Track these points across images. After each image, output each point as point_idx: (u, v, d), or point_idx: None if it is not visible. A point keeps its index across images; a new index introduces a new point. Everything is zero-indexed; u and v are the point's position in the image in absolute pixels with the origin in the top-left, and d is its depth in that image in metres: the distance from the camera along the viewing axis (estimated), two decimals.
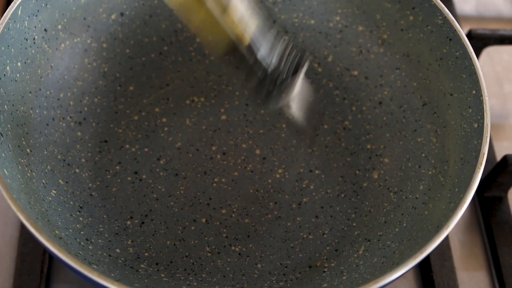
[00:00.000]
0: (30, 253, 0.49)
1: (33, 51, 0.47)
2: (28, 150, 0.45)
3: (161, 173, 0.50)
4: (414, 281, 0.52)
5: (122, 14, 0.52)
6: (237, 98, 0.54)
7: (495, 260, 0.53)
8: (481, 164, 0.43)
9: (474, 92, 0.46)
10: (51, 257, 0.50)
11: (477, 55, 0.61)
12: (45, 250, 0.49)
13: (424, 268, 0.52)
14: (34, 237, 0.39)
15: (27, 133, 0.46)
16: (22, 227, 0.50)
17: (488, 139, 0.44)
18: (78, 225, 0.45)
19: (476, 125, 0.45)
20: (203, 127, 0.53)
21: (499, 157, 0.57)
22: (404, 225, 0.47)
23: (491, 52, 0.65)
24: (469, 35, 0.60)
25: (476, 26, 0.62)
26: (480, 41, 0.60)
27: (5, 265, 0.50)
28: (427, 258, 0.51)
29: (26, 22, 0.46)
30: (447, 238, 0.52)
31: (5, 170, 0.41)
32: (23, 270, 0.48)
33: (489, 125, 0.44)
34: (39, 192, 0.44)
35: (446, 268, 0.51)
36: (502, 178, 0.54)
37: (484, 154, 0.43)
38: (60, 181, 0.47)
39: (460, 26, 0.64)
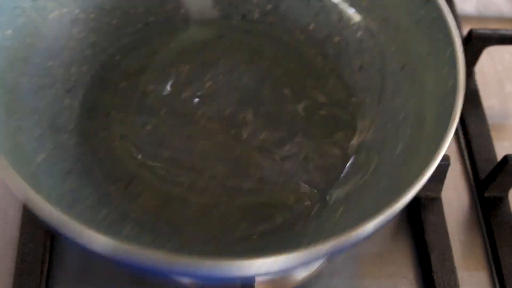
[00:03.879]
0: (30, 253, 0.50)
1: (22, 19, 0.49)
2: (17, 116, 0.47)
3: (147, 138, 0.51)
4: (414, 281, 0.52)
5: None
6: (222, 66, 0.55)
7: (496, 260, 0.53)
8: (454, 119, 0.44)
9: (449, 51, 0.47)
10: (52, 257, 0.51)
11: (478, 55, 0.62)
12: (45, 250, 0.50)
13: (424, 267, 0.52)
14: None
15: (16, 100, 0.47)
16: (22, 226, 0.51)
17: (462, 96, 0.45)
18: (65, 189, 0.47)
19: (451, 83, 0.46)
20: (188, 93, 0.54)
21: (499, 157, 0.57)
22: (382, 185, 0.47)
23: (492, 52, 0.65)
24: (470, 35, 0.60)
25: (476, 26, 0.62)
26: (481, 41, 0.60)
27: (5, 265, 0.50)
28: (428, 258, 0.52)
29: None
30: (447, 238, 0.53)
31: None
32: (23, 270, 0.49)
33: (463, 82, 0.45)
34: (28, 155, 0.46)
35: (446, 268, 0.51)
36: (502, 178, 0.54)
37: (457, 110, 0.44)
38: (49, 145, 0.48)
39: (461, 26, 0.66)
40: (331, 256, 0.41)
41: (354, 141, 0.52)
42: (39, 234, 0.51)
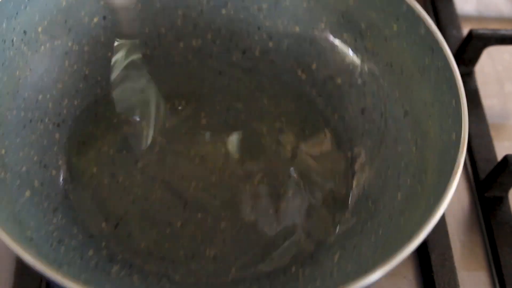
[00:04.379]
0: None
1: (11, 53, 0.47)
2: (3, 151, 0.45)
3: (138, 176, 0.50)
4: (414, 281, 0.52)
5: (104, 18, 0.52)
6: (218, 103, 0.54)
7: (496, 260, 0.53)
8: (456, 175, 0.42)
9: (453, 102, 0.46)
10: None
11: (478, 55, 0.62)
12: None
13: (424, 268, 0.52)
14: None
15: (2, 134, 0.46)
16: None
17: (465, 150, 0.44)
18: (51, 227, 0.45)
19: (454, 136, 0.45)
20: (182, 130, 0.53)
21: (499, 157, 0.57)
22: (380, 234, 0.46)
23: (492, 52, 0.65)
24: (470, 34, 0.60)
25: (476, 26, 0.62)
26: (481, 41, 0.60)
27: (5, 264, 0.50)
28: (428, 257, 0.51)
29: (4, 24, 0.46)
30: (447, 238, 0.53)
31: None
32: (23, 269, 0.48)
33: (466, 137, 0.44)
34: (12, 193, 0.45)
35: (446, 268, 0.51)
36: (502, 178, 0.54)
37: (459, 165, 0.43)
38: (36, 183, 0.47)
39: (460, 26, 0.65)
40: None
41: (353, 187, 0.50)
42: None
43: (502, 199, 0.55)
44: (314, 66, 0.55)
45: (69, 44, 0.51)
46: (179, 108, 0.54)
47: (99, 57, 0.53)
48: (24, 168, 0.47)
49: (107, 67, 0.53)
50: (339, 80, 0.54)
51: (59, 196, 0.48)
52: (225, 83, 0.55)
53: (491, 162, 0.57)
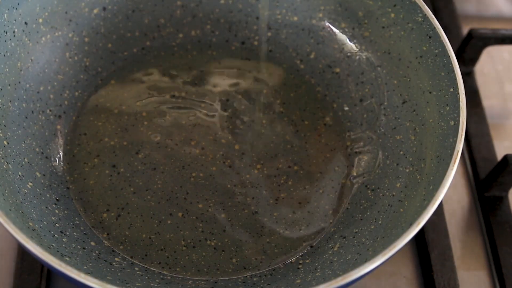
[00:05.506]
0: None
1: (13, 44, 0.47)
2: (5, 142, 0.46)
3: (139, 167, 0.50)
4: (414, 281, 0.52)
5: (104, 9, 0.52)
6: (218, 94, 0.54)
7: (496, 260, 0.53)
8: (455, 162, 0.43)
9: (451, 90, 0.46)
10: None
11: (478, 55, 0.61)
12: None
13: (424, 267, 0.52)
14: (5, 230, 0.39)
15: (4, 126, 0.46)
16: None
17: (463, 137, 0.44)
18: (53, 218, 0.46)
19: (452, 123, 0.45)
20: (182, 121, 0.53)
21: (499, 157, 0.58)
22: (380, 222, 0.47)
23: (492, 51, 0.65)
24: (470, 34, 0.60)
25: (476, 25, 0.62)
26: (481, 40, 0.60)
27: (5, 264, 0.50)
28: (428, 257, 0.52)
29: (5, 15, 0.47)
30: (447, 237, 0.53)
31: None
32: (23, 269, 0.49)
33: (464, 123, 0.44)
34: (15, 184, 0.45)
35: (446, 268, 0.51)
36: (502, 178, 0.54)
37: (458, 152, 0.43)
38: (37, 173, 0.47)
39: (461, 25, 0.65)
40: None
41: (352, 176, 0.51)
42: None
43: (502, 199, 0.55)
44: (312, 55, 0.55)
45: (70, 35, 0.51)
46: (179, 98, 0.54)
47: (100, 48, 0.53)
48: (26, 159, 0.47)
49: (108, 58, 0.53)
50: (337, 69, 0.54)
51: (60, 187, 0.48)
52: (224, 72, 0.55)
53: (491, 162, 0.57)
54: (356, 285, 0.50)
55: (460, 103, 0.45)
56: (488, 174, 0.55)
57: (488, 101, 0.62)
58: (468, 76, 0.63)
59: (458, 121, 0.45)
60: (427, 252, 0.52)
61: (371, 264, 0.39)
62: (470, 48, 0.61)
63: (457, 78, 0.46)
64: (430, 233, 0.53)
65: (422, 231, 0.53)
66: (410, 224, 0.41)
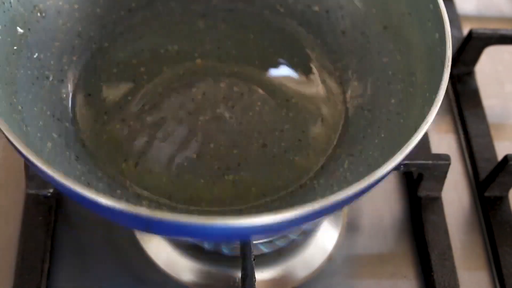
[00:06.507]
0: (31, 252, 0.50)
1: (11, 14, 0.49)
2: (19, 107, 0.47)
3: (147, 118, 0.52)
4: (415, 281, 0.53)
5: None
6: (209, 42, 0.56)
7: (496, 260, 0.54)
8: (448, 66, 0.45)
9: (431, 6, 0.48)
10: (52, 256, 0.51)
11: (478, 54, 0.62)
12: (45, 249, 0.50)
13: (425, 267, 0.53)
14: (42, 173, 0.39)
15: (16, 92, 0.47)
16: (23, 225, 0.52)
17: (450, 44, 0.46)
18: (77, 172, 0.47)
19: (437, 36, 0.47)
20: (180, 71, 0.55)
21: (499, 156, 0.58)
22: (382, 135, 0.49)
23: (492, 51, 0.64)
24: (470, 34, 0.60)
25: (477, 25, 0.62)
26: (481, 40, 0.61)
27: (5, 264, 0.50)
28: (428, 257, 0.52)
29: None
30: (448, 237, 0.53)
31: (6, 124, 0.42)
32: (23, 269, 0.49)
33: (449, 32, 0.46)
34: (37, 144, 0.46)
35: (446, 268, 0.52)
36: (502, 177, 0.55)
37: (448, 57, 0.45)
38: (54, 134, 0.49)
39: (461, 25, 0.67)
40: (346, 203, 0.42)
41: (346, 101, 0.53)
42: (40, 233, 0.51)
43: (502, 199, 0.56)
44: None
45: (60, 3, 0.53)
46: (173, 51, 0.56)
47: (89, 14, 0.54)
48: (41, 122, 0.48)
49: (98, 23, 0.55)
50: (316, 8, 0.57)
51: (77, 145, 0.50)
52: (211, 24, 0.57)
53: (491, 162, 0.57)
54: (356, 285, 0.53)
55: (442, 15, 0.47)
56: (488, 174, 0.56)
57: (488, 101, 0.63)
58: (468, 76, 0.63)
59: (443, 31, 0.47)
60: (427, 252, 0.53)
61: (384, 168, 0.40)
62: (470, 48, 0.61)
63: None
64: (430, 233, 0.53)
65: (422, 231, 0.54)
66: (416, 128, 0.44)
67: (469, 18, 0.69)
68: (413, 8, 0.50)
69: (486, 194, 0.56)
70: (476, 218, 0.56)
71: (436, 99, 0.44)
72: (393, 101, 0.50)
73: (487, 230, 0.56)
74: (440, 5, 0.48)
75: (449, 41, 0.46)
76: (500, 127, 0.62)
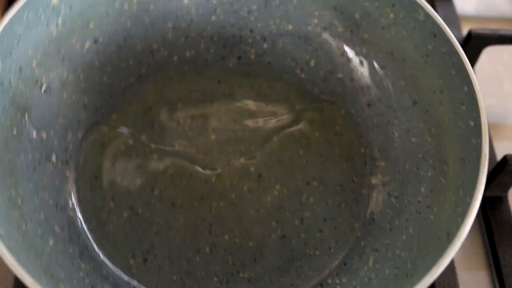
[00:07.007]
0: None
1: (10, 94, 0.45)
2: (19, 201, 0.43)
3: (157, 205, 0.49)
4: None
5: (95, 41, 0.50)
6: (224, 115, 0.53)
7: (495, 260, 0.53)
8: (484, 166, 0.42)
9: (465, 88, 0.45)
10: None
11: (477, 55, 0.61)
12: None
13: None
14: None
15: (15, 183, 0.44)
16: None
17: (488, 138, 0.43)
18: (81, 273, 0.44)
19: (472, 123, 0.44)
20: (193, 150, 0.51)
21: (499, 157, 0.58)
22: (411, 231, 0.46)
23: (491, 52, 0.65)
24: (469, 35, 0.59)
25: (476, 26, 0.62)
26: (480, 41, 0.60)
27: (5, 264, 0.48)
28: None
29: (0, 65, 0.44)
30: None
31: (1, 229, 0.39)
32: None
33: (486, 124, 0.44)
34: (37, 243, 0.43)
35: (446, 268, 0.49)
36: (502, 177, 0.54)
37: (485, 154, 0.42)
38: (56, 228, 0.45)
39: (460, 26, 0.65)
40: None
41: (373, 185, 0.50)
42: None
43: (502, 199, 0.55)
44: (312, 63, 0.54)
45: (64, 74, 0.49)
46: (185, 124, 0.52)
47: (95, 83, 0.51)
48: (42, 215, 0.45)
49: (105, 92, 0.51)
50: (339, 75, 0.53)
51: (82, 238, 0.46)
52: (226, 91, 0.53)
53: (491, 162, 0.57)
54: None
55: (478, 102, 0.44)
56: (488, 174, 0.55)
57: (488, 101, 0.63)
58: None
59: (479, 121, 0.44)
60: None
61: (419, 284, 0.39)
62: (470, 48, 0.60)
63: (470, 76, 0.45)
64: None
65: None
66: (449, 234, 0.41)
67: (469, 18, 0.69)
68: (445, 85, 0.47)
69: (486, 194, 0.55)
70: (476, 218, 0.55)
71: (471, 204, 0.41)
72: (422, 190, 0.47)
73: (487, 230, 0.55)
74: (475, 89, 0.45)
75: (486, 134, 0.43)
76: (499, 127, 0.62)
